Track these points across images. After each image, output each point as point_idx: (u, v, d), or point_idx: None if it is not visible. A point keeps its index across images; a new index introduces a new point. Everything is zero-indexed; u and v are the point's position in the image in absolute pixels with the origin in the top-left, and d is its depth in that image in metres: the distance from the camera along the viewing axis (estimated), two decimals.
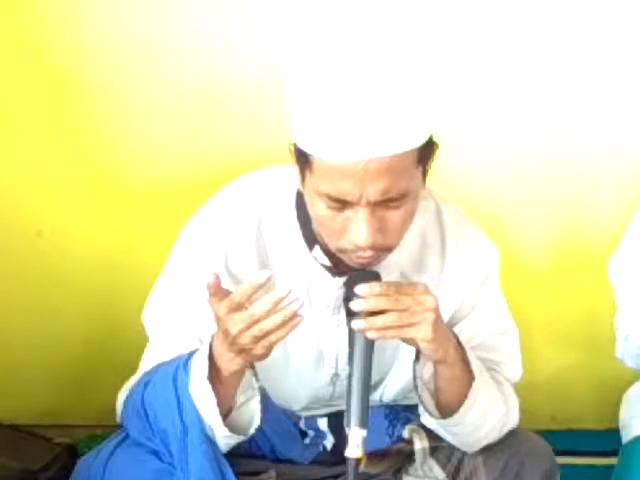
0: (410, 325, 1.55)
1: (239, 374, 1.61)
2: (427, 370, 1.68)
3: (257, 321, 1.51)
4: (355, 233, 1.54)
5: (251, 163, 1.80)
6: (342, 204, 1.53)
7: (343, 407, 1.60)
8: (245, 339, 1.53)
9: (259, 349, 1.54)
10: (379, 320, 1.54)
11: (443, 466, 1.80)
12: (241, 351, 1.55)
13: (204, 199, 1.76)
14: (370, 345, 1.56)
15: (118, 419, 1.74)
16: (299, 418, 1.86)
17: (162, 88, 2.13)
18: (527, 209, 2.28)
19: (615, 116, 2.20)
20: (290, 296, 1.51)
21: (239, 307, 1.52)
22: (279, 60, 1.99)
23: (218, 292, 1.54)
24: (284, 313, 1.51)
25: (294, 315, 1.51)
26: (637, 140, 2.21)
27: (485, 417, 1.71)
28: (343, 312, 1.68)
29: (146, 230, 2.22)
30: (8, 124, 2.15)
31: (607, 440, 2.22)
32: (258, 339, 1.53)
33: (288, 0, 2.10)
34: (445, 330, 1.62)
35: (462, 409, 1.67)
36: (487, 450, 1.76)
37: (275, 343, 1.54)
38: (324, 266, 1.69)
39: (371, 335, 1.55)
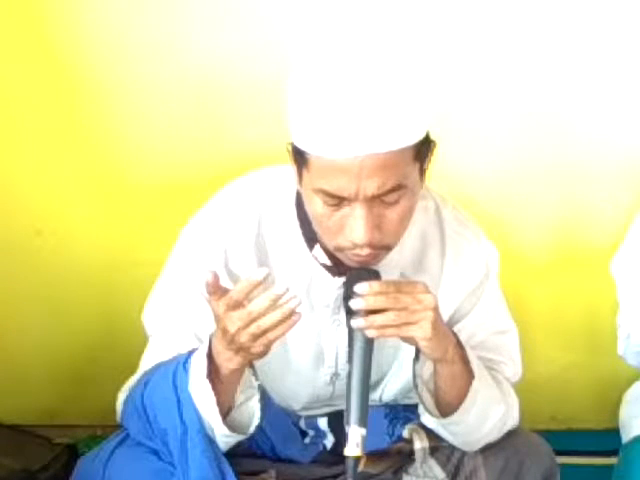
0: (409, 324, 1.55)
1: (238, 373, 1.61)
2: (427, 369, 1.68)
3: (255, 319, 1.52)
4: (352, 230, 1.54)
5: (253, 162, 1.80)
6: (339, 200, 1.53)
7: (343, 407, 1.60)
8: (244, 337, 1.53)
9: (258, 347, 1.54)
10: (378, 319, 1.54)
11: (443, 466, 1.79)
12: (240, 349, 1.55)
13: (205, 199, 1.76)
14: (370, 344, 1.57)
15: (118, 419, 1.75)
16: (299, 417, 1.86)
17: (163, 87, 2.13)
18: (527, 208, 2.27)
19: (615, 114, 2.19)
20: (288, 294, 1.51)
21: (237, 305, 1.53)
22: (281, 59, 1.99)
23: (217, 290, 1.54)
24: (282, 310, 1.51)
25: (292, 312, 1.51)
26: (637, 139, 2.20)
27: (485, 416, 1.71)
28: (343, 312, 1.68)
29: (146, 230, 2.22)
30: (8, 122, 2.14)
31: (607, 440, 2.22)
32: (256, 337, 1.53)
33: None
34: (444, 329, 1.62)
35: (462, 408, 1.67)
36: (487, 450, 1.76)
37: (274, 341, 1.55)
38: (324, 266, 1.69)
39: (370, 334, 1.55)
